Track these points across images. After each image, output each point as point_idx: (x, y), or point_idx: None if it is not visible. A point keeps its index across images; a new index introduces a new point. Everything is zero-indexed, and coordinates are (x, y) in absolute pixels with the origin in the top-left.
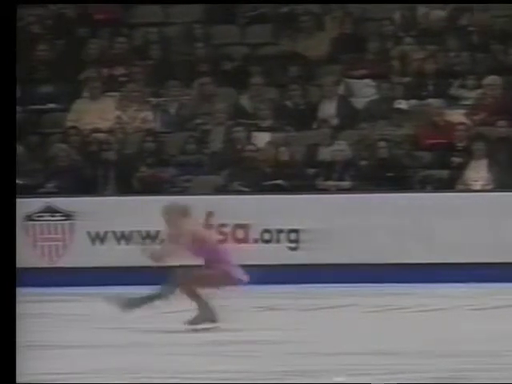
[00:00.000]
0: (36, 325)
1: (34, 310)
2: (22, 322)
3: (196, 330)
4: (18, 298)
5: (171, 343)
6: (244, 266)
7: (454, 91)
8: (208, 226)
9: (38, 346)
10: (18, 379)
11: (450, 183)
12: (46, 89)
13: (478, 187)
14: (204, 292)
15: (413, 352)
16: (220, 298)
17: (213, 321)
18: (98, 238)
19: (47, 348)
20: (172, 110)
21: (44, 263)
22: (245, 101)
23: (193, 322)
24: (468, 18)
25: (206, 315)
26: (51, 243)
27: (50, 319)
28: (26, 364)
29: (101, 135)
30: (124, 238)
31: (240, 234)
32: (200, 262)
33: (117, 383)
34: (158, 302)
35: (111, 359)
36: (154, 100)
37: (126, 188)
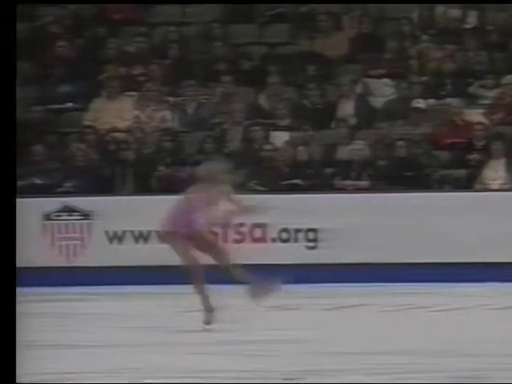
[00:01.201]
0: (53, 324)
1: (51, 309)
2: (37, 320)
3: (208, 330)
4: (35, 298)
5: (185, 343)
6: (262, 266)
7: (472, 90)
8: (226, 225)
9: (53, 345)
10: (35, 378)
11: (468, 182)
12: (65, 88)
13: (496, 186)
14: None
15: (431, 351)
16: (237, 297)
17: (208, 323)
18: (116, 238)
19: (63, 347)
20: (190, 110)
21: (62, 262)
22: (263, 100)
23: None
24: (486, 17)
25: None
26: (69, 242)
27: (67, 318)
28: (42, 363)
29: (119, 134)
30: (142, 237)
31: (258, 233)
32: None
33: (126, 383)
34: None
35: (128, 358)
36: (172, 99)
37: (143, 187)
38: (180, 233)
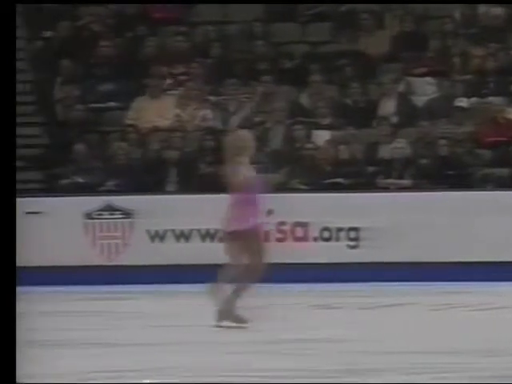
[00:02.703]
0: (91, 323)
1: (92, 307)
2: (78, 319)
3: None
4: (77, 296)
5: (228, 341)
6: (303, 265)
7: None
8: (267, 223)
9: (95, 343)
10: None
11: (511, 181)
12: (107, 87)
13: None
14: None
15: (473, 350)
16: (279, 296)
17: (240, 321)
18: (158, 236)
19: (102, 346)
20: (231, 108)
21: (103, 261)
22: (304, 99)
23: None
24: None
25: (232, 313)
26: (110, 241)
27: (107, 317)
28: (86, 361)
29: (160, 133)
30: (183, 236)
31: (299, 232)
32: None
33: (159, 382)
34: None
35: (169, 357)
36: (213, 98)
37: (185, 186)
38: (236, 232)
